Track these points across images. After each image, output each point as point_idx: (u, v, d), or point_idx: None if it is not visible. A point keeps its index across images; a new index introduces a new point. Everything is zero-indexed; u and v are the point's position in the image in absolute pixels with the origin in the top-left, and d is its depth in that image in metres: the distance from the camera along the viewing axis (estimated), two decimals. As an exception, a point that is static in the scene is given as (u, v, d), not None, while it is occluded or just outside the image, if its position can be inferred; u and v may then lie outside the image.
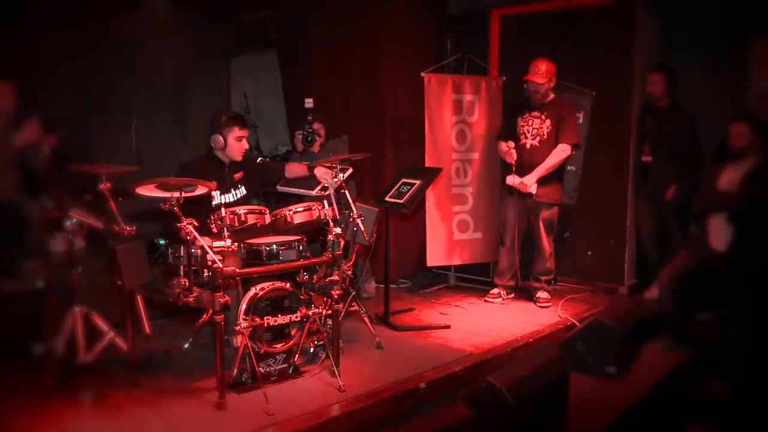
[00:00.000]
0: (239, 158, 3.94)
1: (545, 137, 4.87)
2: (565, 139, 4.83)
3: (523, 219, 5.05)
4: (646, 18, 5.30)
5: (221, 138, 3.84)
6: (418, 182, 4.53)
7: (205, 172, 3.71)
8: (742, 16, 4.91)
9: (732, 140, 4.21)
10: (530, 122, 4.92)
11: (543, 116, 4.89)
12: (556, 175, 4.94)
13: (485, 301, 5.18)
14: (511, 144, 4.90)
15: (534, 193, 4.84)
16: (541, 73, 4.80)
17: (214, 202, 3.85)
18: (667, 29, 5.37)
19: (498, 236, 5.39)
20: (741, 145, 4.16)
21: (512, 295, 5.24)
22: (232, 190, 3.97)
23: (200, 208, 3.66)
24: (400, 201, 4.47)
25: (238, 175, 3.99)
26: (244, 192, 4.03)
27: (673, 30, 5.32)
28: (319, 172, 3.95)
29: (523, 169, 4.88)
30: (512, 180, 4.89)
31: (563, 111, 4.89)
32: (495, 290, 5.21)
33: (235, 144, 3.88)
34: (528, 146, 4.93)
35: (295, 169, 4.16)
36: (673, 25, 5.31)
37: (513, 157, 4.85)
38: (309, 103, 4.77)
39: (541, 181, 4.84)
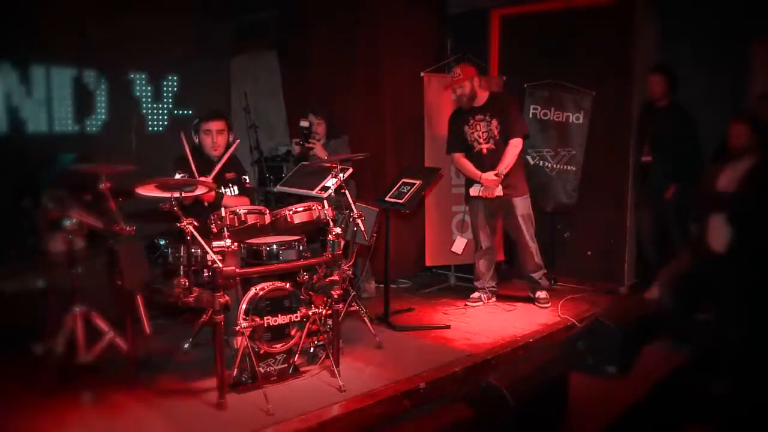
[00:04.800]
0: (215, 152, 4.01)
1: (497, 137, 4.81)
2: (515, 133, 4.77)
3: (492, 218, 5.01)
4: (646, 18, 5.30)
5: (195, 137, 4.03)
6: (418, 182, 4.53)
7: (196, 165, 3.81)
8: (742, 16, 4.91)
9: (732, 140, 4.20)
10: (477, 127, 4.84)
11: (488, 117, 4.82)
12: (516, 168, 4.85)
13: (465, 305, 5.05)
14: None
15: (501, 195, 4.79)
16: (458, 77, 4.76)
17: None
18: (667, 29, 5.37)
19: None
20: (740, 145, 4.15)
21: (494, 299, 5.14)
22: (223, 188, 4.04)
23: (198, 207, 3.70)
24: (400, 201, 4.47)
25: (230, 175, 4.08)
26: (236, 192, 4.10)
27: (673, 30, 5.32)
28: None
29: None
30: (476, 190, 4.86)
31: (505, 106, 4.83)
32: (476, 294, 5.12)
33: (203, 138, 4.01)
34: (485, 151, 4.84)
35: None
36: (673, 25, 5.30)
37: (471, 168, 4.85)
38: (304, 122, 4.78)
39: (505, 179, 4.77)
